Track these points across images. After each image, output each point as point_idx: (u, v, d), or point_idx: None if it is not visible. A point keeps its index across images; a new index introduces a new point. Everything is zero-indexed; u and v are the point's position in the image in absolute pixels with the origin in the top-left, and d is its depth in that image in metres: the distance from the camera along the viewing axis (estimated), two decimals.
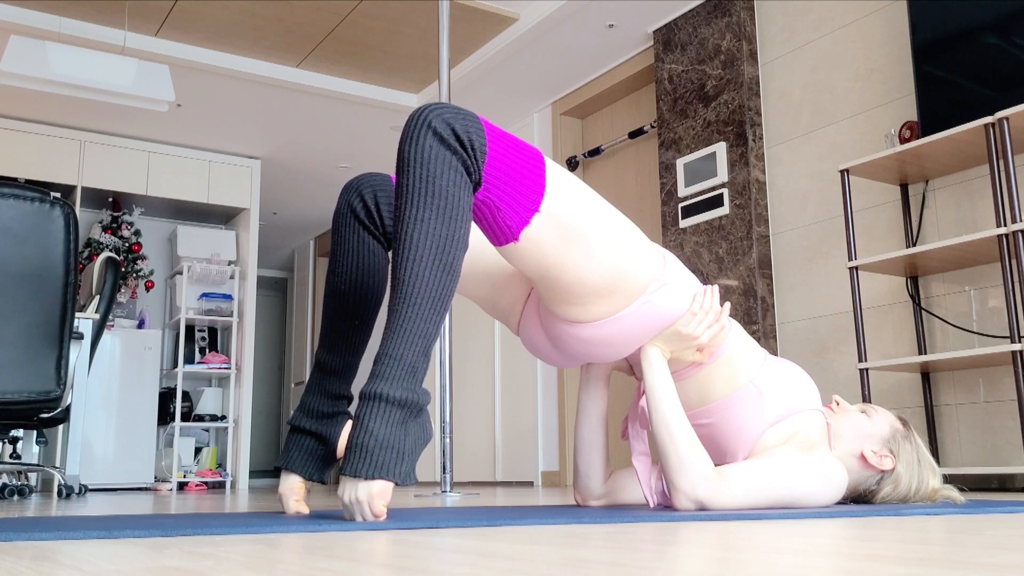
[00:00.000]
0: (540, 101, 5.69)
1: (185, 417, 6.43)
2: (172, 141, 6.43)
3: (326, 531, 1.17)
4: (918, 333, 3.43)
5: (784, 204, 4.05)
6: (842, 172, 3.39)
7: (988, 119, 2.97)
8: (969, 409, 3.30)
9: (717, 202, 4.19)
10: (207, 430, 6.82)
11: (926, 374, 3.39)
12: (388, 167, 6.97)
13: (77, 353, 3.77)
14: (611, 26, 4.73)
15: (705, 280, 4.18)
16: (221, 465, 6.62)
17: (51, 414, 3.67)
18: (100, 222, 6.47)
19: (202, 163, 6.60)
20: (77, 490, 3.70)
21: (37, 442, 4.52)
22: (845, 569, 0.65)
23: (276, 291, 9.96)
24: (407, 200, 1.34)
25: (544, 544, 0.93)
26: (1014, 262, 2.86)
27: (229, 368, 6.60)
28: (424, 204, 1.33)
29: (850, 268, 3.32)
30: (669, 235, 4.43)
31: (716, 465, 1.67)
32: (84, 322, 3.85)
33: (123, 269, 6.35)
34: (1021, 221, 2.88)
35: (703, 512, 1.51)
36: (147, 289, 6.60)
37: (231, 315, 6.66)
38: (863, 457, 1.72)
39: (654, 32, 4.71)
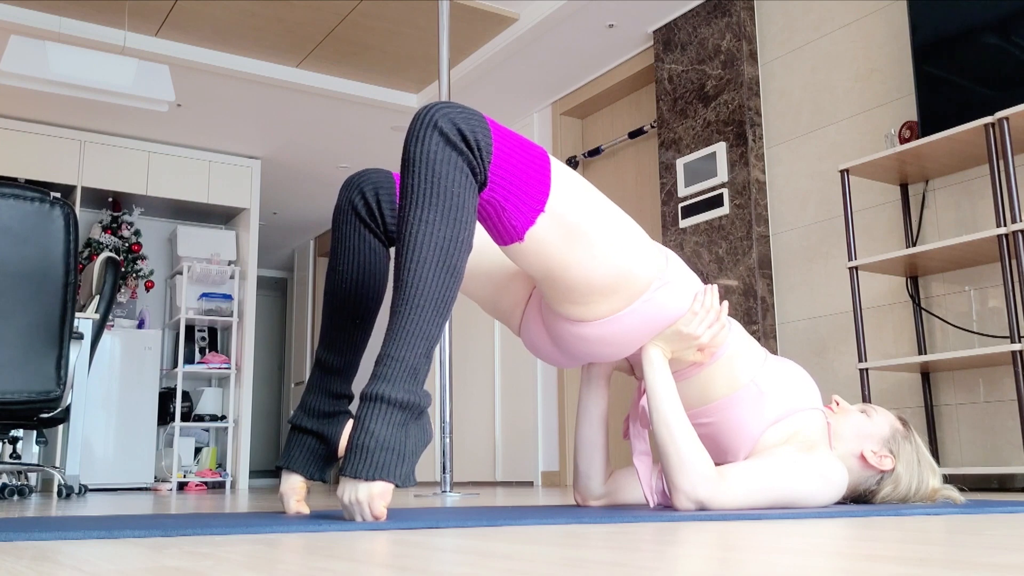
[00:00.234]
0: (540, 101, 5.69)
1: (185, 417, 6.43)
2: (172, 141, 6.43)
3: (326, 531, 1.17)
4: (918, 333, 3.43)
5: (784, 204, 4.05)
6: (842, 172, 3.39)
7: (988, 119, 2.97)
8: (969, 409, 3.30)
9: (717, 202, 4.19)
10: (207, 430, 6.82)
11: (926, 374, 3.39)
12: (388, 167, 6.96)
13: (77, 353, 3.77)
14: (611, 26, 4.73)
15: (705, 280, 4.18)
16: (221, 465, 6.62)
17: (51, 414, 3.67)
18: (100, 222, 6.47)
19: (202, 163, 6.60)
20: (77, 490, 3.70)
21: (37, 442, 4.52)
22: (845, 569, 0.65)
23: (276, 291, 9.96)
24: (412, 200, 1.33)
25: (544, 544, 0.93)
26: (1014, 262, 2.86)
27: (229, 368, 6.60)
28: (429, 205, 1.32)
29: (850, 268, 3.32)
30: (669, 235, 4.43)
31: (717, 465, 1.67)
32: (84, 322, 3.85)
33: (123, 269, 6.35)
34: (1021, 221, 2.88)
35: (703, 512, 1.51)
36: (147, 289, 6.60)
37: (231, 315, 6.66)
38: (863, 457, 1.72)
39: (654, 32, 4.71)
